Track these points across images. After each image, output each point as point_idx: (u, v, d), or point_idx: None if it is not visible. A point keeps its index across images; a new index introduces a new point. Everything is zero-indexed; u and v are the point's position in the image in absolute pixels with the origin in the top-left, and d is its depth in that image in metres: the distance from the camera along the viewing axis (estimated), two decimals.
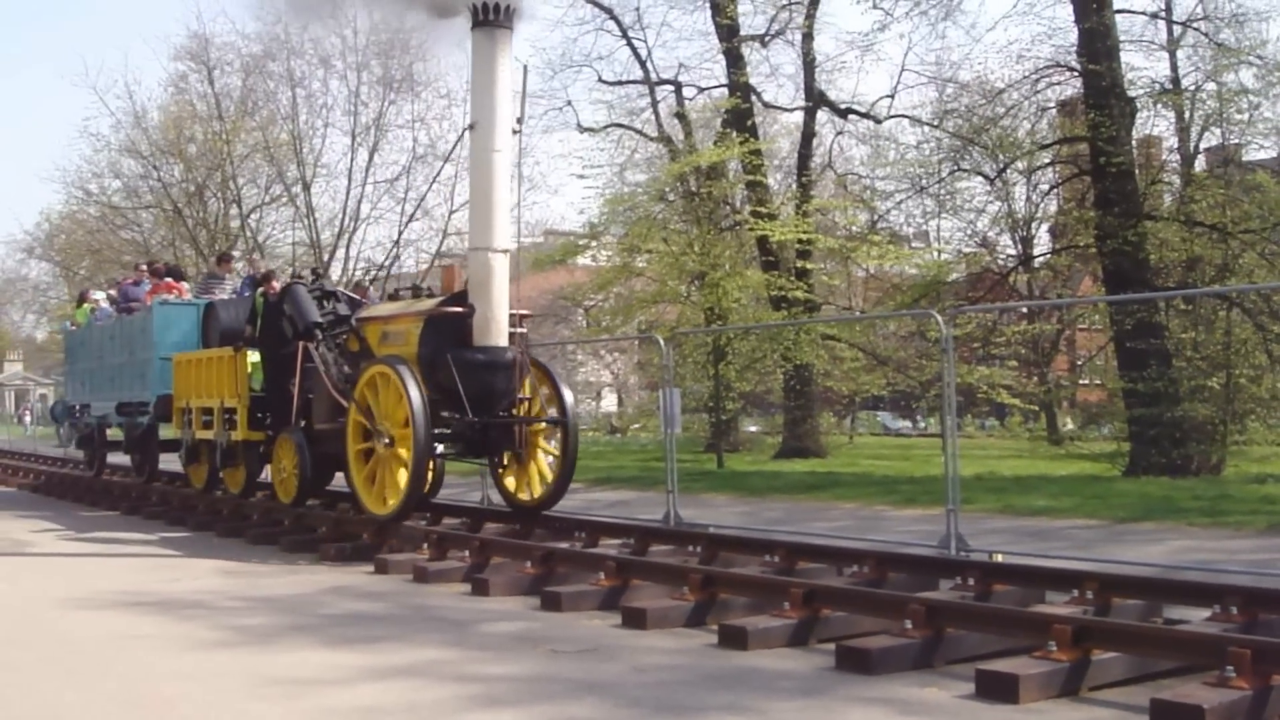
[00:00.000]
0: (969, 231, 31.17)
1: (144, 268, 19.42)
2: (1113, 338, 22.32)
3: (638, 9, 39.10)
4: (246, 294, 15.51)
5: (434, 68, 46.57)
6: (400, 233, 35.68)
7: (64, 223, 45.03)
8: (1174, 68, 23.20)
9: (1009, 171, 25.49)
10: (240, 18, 63.86)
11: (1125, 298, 18.53)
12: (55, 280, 49.88)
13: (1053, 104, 24.54)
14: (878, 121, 29.16)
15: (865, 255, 27.56)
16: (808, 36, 28.17)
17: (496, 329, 11.56)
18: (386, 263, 36.53)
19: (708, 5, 28.26)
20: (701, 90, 30.25)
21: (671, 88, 30.12)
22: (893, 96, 28.72)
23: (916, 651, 6.41)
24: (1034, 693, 5.68)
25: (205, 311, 15.60)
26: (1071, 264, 29.37)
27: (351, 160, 38.09)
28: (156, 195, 39.30)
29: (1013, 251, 31.67)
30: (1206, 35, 22.09)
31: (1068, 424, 33.17)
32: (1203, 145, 24.56)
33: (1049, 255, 29.21)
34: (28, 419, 63.51)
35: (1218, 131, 23.15)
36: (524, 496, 12.46)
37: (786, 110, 31.82)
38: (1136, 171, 21.41)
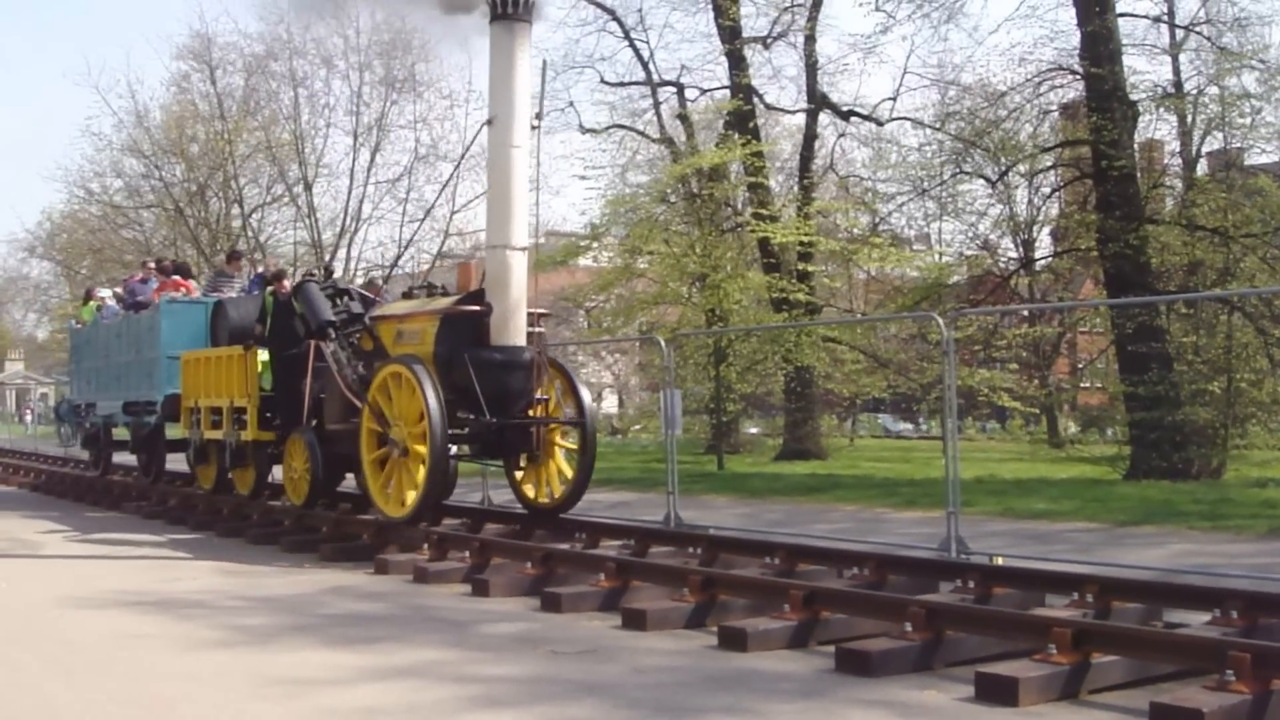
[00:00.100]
0: (970, 234, 31.24)
1: (151, 265, 19.17)
2: (1114, 341, 22.34)
3: (640, 10, 39.06)
4: (255, 292, 15.34)
5: (436, 68, 46.71)
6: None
7: (65, 222, 45.14)
8: (1176, 71, 23.25)
9: (1011, 174, 25.53)
10: (243, 17, 64.06)
11: (1126, 301, 18.53)
12: (56, 279, 50.02)
13: (1055, 107, 24.55)
14: (880, 124, 29.18)
15: (867, 257, 27.60)
16: (810, 39, 28.19)
17: (514, 328, 11.36)
18: (395, 262, 36.56)
19: (710, 7, 28.28)
20: (704, 92, 30.32)
21: (674, 89, 30.16)
22: (895, 99, 28.79)
23: (916, 654, 6.41)
24: (1033, 695, 5.68)
25: (214, 310, 15.40)
26: (1073, 267, 29.37)
27: (353, 160, 38.24)
28: (158, 195, 39.39)
29: (1014, 254, 31.73)
30: (1209, 39, 22.11)
31: (1070, 428, 33.19)
32: (1205, 149, 24.64)
33: (1050, 258, 29.21)
34: (29, 418, 63.54)
35: (1220, 135, 23.20)
36: (541, 499, 12.26)
37: (788, 112, 31.87)
38: (1138, 175, 21.42)
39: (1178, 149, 25.03)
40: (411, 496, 11.00)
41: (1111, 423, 24.07)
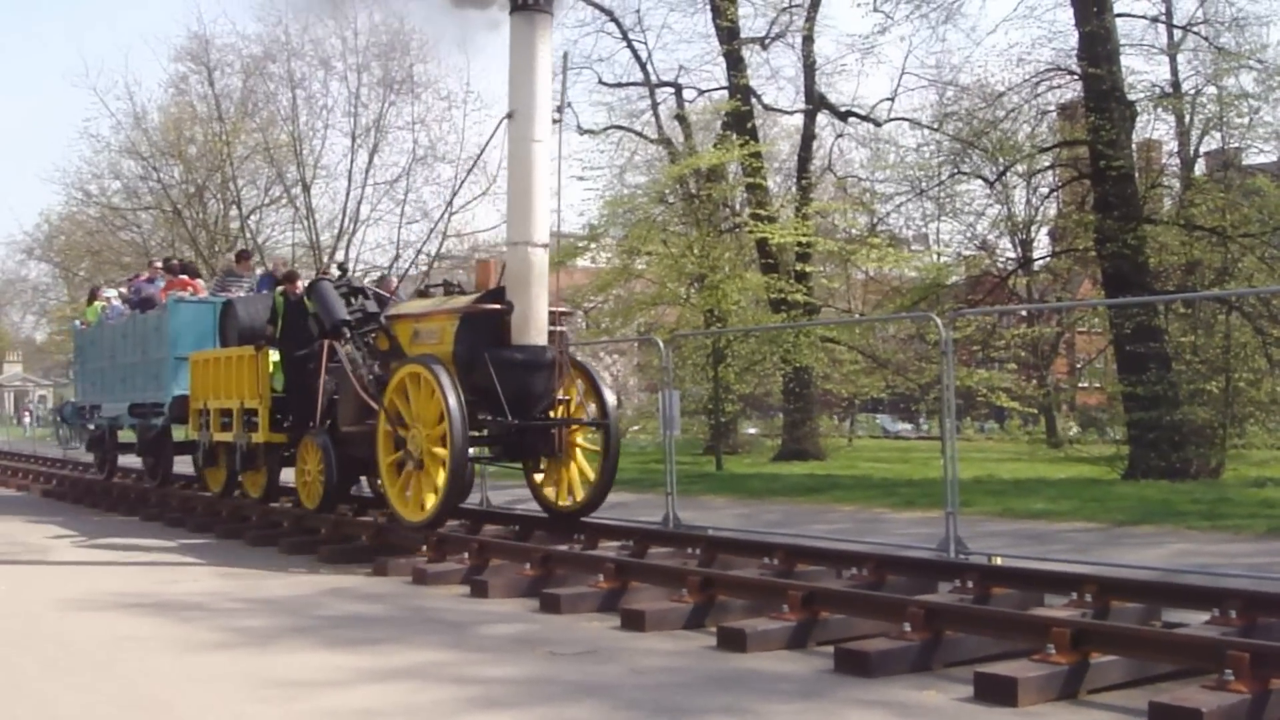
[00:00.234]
0: (969, 234, 31.25)
1: (158, 264, 18.95)
2: (1112, 341, 22.36)
3: (638, 11, 39.34)
4: (264, 291, 15.11)
5: (435, 69, 46.67)
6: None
7: (64, 224, 45.13)
8: (1174, 71, 23.28)
9: (1009, 175, 25.55)
10: (241, 19, 64.01)
11: (1125, 301, 18.54)
12: (55, 281, 50.00)
13: (1053, 107, 24.57)
14: (878, 124, 29.21)
15: (865, 258, 27.62)
16: (808, 39, 28.21)
17: (536, 327, 11.11)
18: (394, 261, 36.45)
19: (708, 8, 28.31)
20: (702, 93, 30.33)
21: (671, 90, 30.18)
22: (893, 99, 28.85)
23: (915, 654, 6.41)
24: (1032, 695, 5.68)
25: (223, 309, 15.13)
26: (1071, 267, 29.39)
27: (351, 162, 38.23)
28: (156, 196, 39.36)
29: (1012, 254, 31.78)
30: (1207, 39, 22.14)
31: (1072, 428, 33.21)
32: (1203, 149, 24.64)
33: (1049, 258, 29.25)
34: (27, 420, 63.56)
35: (1218, 135, 23.21)
36: (562, 502, 11.95)
37: (786, 113, 31.89)
38: (1136, 175, 21.45)
39: (1176, 149, 25.07)
40: (431, 500, 10.70)
41: (1110, 423, 24.08)
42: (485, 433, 11.35)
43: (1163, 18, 23.30)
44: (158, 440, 16.65)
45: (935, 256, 29.18)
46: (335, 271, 13.90)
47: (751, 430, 36.78)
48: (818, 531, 12.25)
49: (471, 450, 11.39)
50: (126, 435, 18.47)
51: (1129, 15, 22.72)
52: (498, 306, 11.07)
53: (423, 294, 12.85)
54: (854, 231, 29.75)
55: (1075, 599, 7.40)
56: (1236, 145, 23.09)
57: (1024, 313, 33.46)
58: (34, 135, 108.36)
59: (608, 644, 7.15)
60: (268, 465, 13.78)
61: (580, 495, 11.86)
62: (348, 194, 38.21)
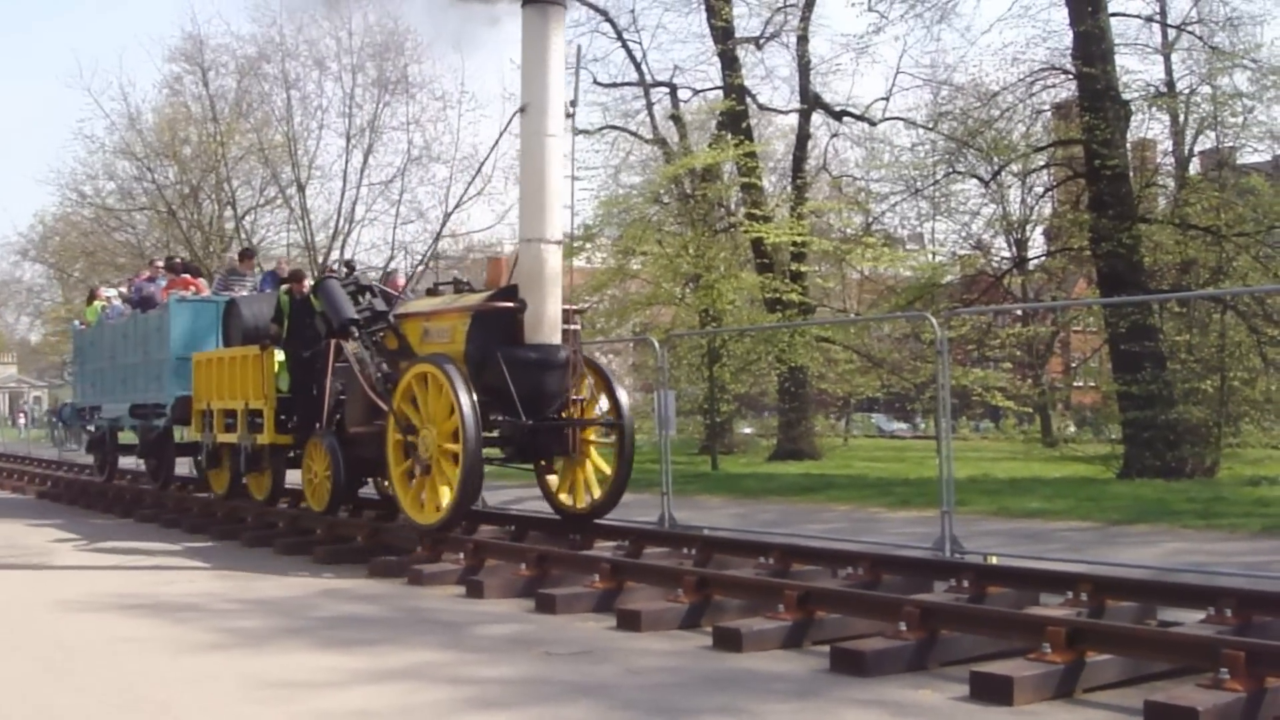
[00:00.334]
0: (964, 234, 31.32)
1: (159, 263, 18.74)
2: (1107, 340, 22.38)
3: (633, 11, 39.28)
4: (268, 290, 14.96)
5: (429, 70, 46.62)
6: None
7: (58, 225, 45.03)
8: (1169, 71, 23.32)
9: (1004, 174, 25.56)
10: (235, 19, 63.92)
11: (1120, 300, 18.55)
12: (49, 283, 49.88)
13: (1048, 107, 24.62)
14: (873, 124, 29.22)
15: (860, 257, 27.61)
16: (803, 39, 28.23)
17: (549, 325, 10.91)
18: (389, 261, 36.44)
19: (703, 7, 28.30)
20: (696, 92, 30.34)
21: (666, 90, 30.18)
22: (888, 99, 28.87)
23: (911, 653, 6.41)
24: (1028, 694, 5.68)
25: (226, 309, 14.91)
26: (1066, 266, 29.44)
27: (346, 162, 38.21)
28: (151, 197, 39.31)
29: (1007, 254, 31.80)
30: (1201, 39, 22.17)
31: (1070, 427, 33.24)
32: (1197, 148, 24.70)
33: (1044, 258, 29.29)
34: (22, 421, 63.49)
35: (1212, 135, 23.25)
36: (574, 504, 11.72)
37: (781, 112, 31.89)
38: (1131, 174, 21.47)
39: (1170, 148, 25.11)
40: (443, 502, 10.49)
41: (1105, 422, 24.10)
42: (497, 433, 11.07)
43: (1157, 17, 23.37)
44: (159, 442, 16.47)
45: (930, 256, 29.23)
46: (342, 269, 13.64)
47: (747, 430, 36.81)
48: (813, 531, 12.26)
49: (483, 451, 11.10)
50: (126, 437, 18.31)
51: (1123, 15, 22.79)
52: (511, 304, 10.88)
53: (432, 292, 12.60)
54: (849, 231, 29.78)
55: (1071, 598, 7.42)
56: (1231, 144, 23.14)
57: (1019, 312, 33.51)
58: (29, 136, 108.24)
59: (603, 644, 7.15)
60: (273, 467, 13.60)
61: (595, 494, 11.64)
62: (343, 194, 38.24)
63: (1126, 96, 21.18)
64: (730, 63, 27.91)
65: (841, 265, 32.26)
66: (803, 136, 29.38)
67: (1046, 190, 29.00)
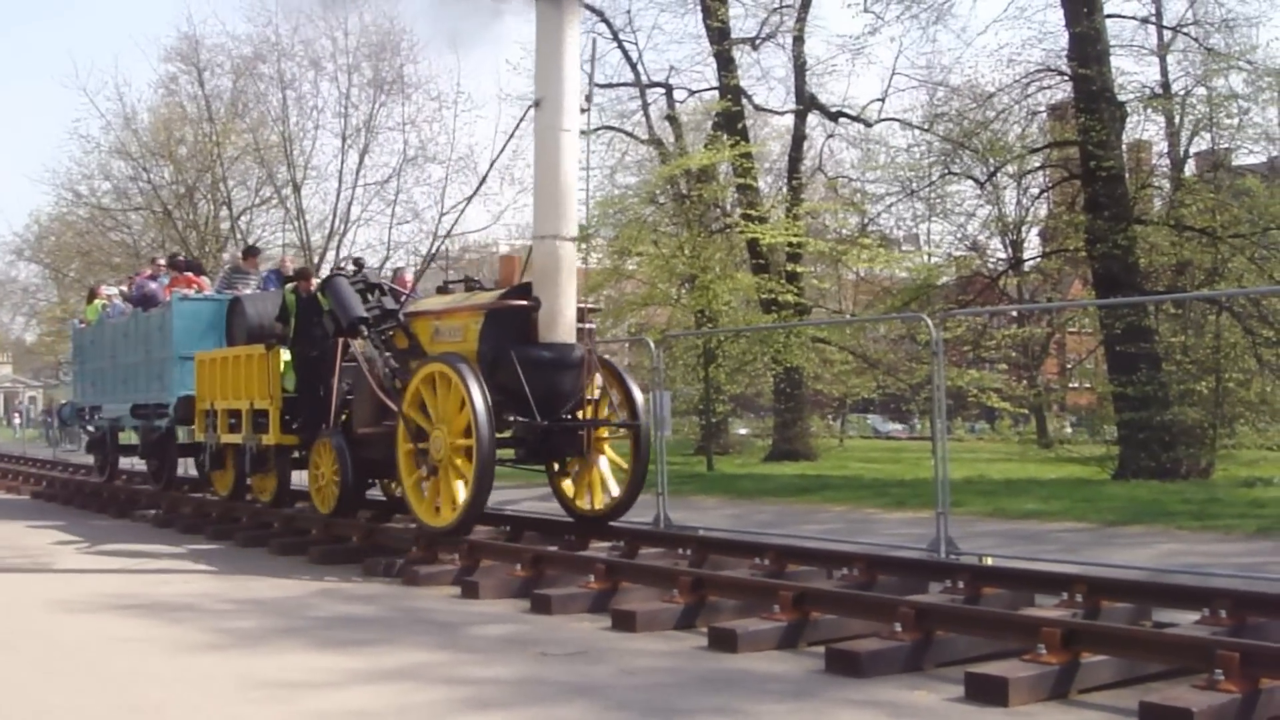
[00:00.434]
0: (959, 235, 31.38)
1: (161, 261, 18.54)
2: (1102, 341, 22.40)
3: (629, 12, 39.19)
4: (272, 288, 14.80)
5: (425, 70, 46.57)
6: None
7: (53, 224, 44.94)
8: (1164, 72, 23.38)
9: (999, 175, 25.63)
10: (231, 19, 63.83)
11: (1115, 301, 18.58)
12: (45, 282, 49.76)
13: (1043, 108, 24.68)
14: (868, 125, 29.25)
15: (855, 258, 27.67)
16: (798, 40, 28.26)
17: (564, 324, 10.70)
18: (385, 260, 36.36)
19: (699, 8, 28.33)
20: (692, 93, 30.40)
21: (662, 90, 30.22)
22: (883, 100, 28.94)
23: (906, 654, 6.42)
24: (1023, 695, 5.68)
25: (230, 307, 14.68)
26: (1061, 268, 29.48)
27: (342, 162, 38.15)
28: (146, 197, 39.24)
29: (1003, 255, 31.81)
30: (1196, 40, 22.21)
31: (1066, 429, 33.26)
32: (1192, 150, 24.74)
33: (1039, 259, 29.32)
34: (18, 421, 63.38)
35: (1207, 136, 23.31)
36: (589, 505, 11.47)
37: (777, 113, 31.93)
38: (1126, 176, 21.51)
39: (1166, 149, 25.13)
40: (457, 504, 10.27)
41: (1100, 423, 24.13)
42: (510, 434, 10.85)
43: (1152, 19, 23.41)
44: (161, 442, 16.28)
45: (926, 257, 29.28)
46: (351, 267, 13.48)
47: (742, 430, 36.83)
48: (809, 532, 12.26)
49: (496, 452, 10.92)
50: (127, 437, 18.16)
51: (1119, 16, 22.85)
52: (525, 303, 10.68)
53: (442, 290, 12.38)
54: (845, 232, 29.80)
55: (1066, 599, 7.42)
56: (1226, 146, 23.21)
57: (1014, 313, 33.51)
58: (23, 135, 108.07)
59: (598, 645, 7.15)
60: (278, 468, 13.41)
61: (613, 494, 11.42)
62: (338, 195, 38.17)
63: (1122, 98, 21.23)
64: (726, 63, 27.95)
65: (837, 266, 32.31)
66: (798, 137, 29.41)
67: (1042, 191, 29.05)
